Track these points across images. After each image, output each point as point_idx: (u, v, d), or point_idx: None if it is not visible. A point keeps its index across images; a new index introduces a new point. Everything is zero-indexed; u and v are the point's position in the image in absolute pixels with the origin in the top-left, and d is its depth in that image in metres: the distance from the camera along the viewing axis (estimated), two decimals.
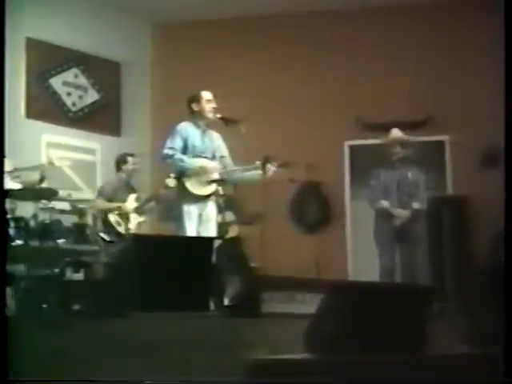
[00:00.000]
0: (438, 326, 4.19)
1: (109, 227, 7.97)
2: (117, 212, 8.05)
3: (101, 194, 8.29)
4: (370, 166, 8.53)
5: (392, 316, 3.74)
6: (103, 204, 8.10)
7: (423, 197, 8.16)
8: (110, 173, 8.84)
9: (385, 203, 8.03)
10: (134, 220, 8.12)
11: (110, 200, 8.13)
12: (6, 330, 3.83)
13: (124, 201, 8.16)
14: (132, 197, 8.24)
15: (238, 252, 8.57)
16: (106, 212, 8.04)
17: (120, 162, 8.49)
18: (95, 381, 3.87)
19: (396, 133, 8.27)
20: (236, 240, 8.83)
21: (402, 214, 7.98)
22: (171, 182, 7.48)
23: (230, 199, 8.53)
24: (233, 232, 8.83)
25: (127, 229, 8.02)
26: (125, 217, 8.07)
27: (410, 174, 8.14)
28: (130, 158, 8.47)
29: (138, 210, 8.16)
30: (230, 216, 8.86)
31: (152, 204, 8.21)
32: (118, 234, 7.95)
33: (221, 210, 8.07)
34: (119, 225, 8.01)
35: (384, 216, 8.04)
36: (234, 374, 3.54)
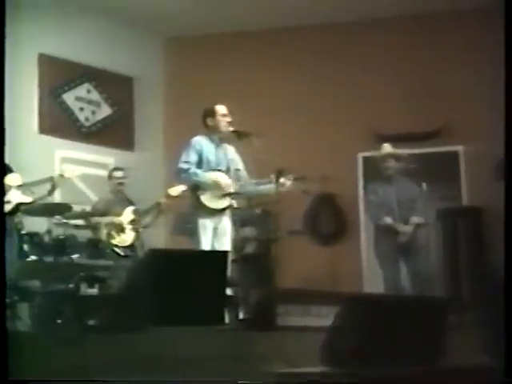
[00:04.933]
0: (455, 337, 4.17)
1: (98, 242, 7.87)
2: (108, 226, 7.99)
3: (94, 210, 8.22)
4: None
5: (407, 328, 3.72)
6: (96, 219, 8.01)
7: (423, 210, 8.12)
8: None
9: (388, 220, 7.96)
10: (129, 232, 8.08)
11: (104, 215, 8.02)
12: (6, 331, 3.84)
13: (119, 214, 8.13)
14: (129, 210, 8.22)
15: (254, 266, 8.57)
16: (97, 227, 7.97)
17: (108, 176, 8.65)
18: (95, 381, 3.86)
19: (388, 148, 8.22)
20: (252, 254, 8.84)
21: (406, 229, 7.92)
22: (173, 191, 7.56)
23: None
24: (250, 247, 8.85)
25: (120, 241, 7.99)
26: (119, 229, 8.02)
27: (406, 188, 8.09)
28: (115, 173, 8.61)
29: (135, 223, 8.13)
30: (248, 231, 8.89)
31: (154, 215, 8.17)
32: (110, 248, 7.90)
33: (240, 224, 8.11)
34: (112, 238, 7.95)
35: (387, 233, 7.97)
36: None
